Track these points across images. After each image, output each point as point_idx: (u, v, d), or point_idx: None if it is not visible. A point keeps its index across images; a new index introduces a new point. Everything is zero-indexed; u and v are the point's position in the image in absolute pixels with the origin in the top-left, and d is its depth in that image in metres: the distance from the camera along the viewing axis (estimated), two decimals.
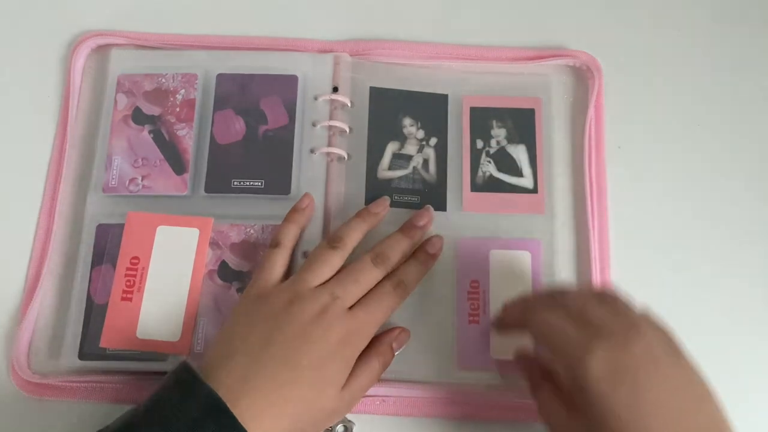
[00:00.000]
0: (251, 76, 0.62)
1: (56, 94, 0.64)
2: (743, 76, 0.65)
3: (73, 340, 0.56)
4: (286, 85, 0.62)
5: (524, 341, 0.53)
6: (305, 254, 0.57)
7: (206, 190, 0.59)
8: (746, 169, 0.63)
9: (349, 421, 0.54)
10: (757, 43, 0.66)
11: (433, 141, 0.62)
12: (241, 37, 0.65)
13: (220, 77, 0.62)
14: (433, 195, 0.60)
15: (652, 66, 0.65)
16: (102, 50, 0.65)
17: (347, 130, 0.62)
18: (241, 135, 0.61)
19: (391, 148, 0.62)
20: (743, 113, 0.64)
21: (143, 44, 0.64)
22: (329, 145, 0.61)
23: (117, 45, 0.64)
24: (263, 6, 0.67)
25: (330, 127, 0.61)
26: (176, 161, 0.60)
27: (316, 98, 0.62)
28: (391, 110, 0.63)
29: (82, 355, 0.55)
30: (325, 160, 0.61)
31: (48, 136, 0.63)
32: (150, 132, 0.61)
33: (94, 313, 0.56)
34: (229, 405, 0.45)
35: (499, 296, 0.57)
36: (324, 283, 0.52)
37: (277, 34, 0.66)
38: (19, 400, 0.55)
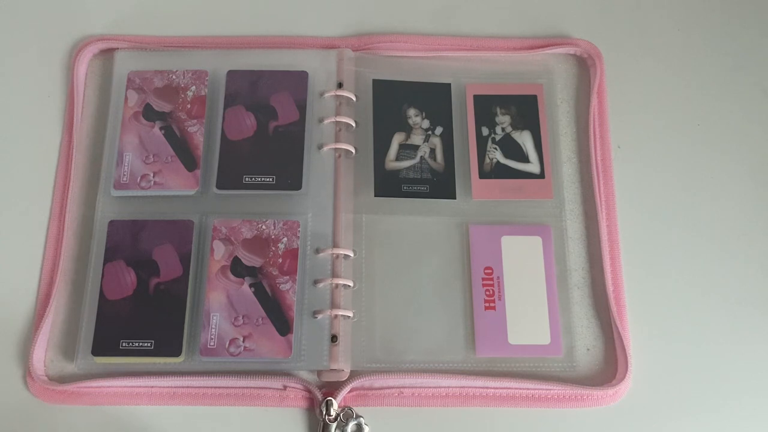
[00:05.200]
0: (261, 73, 0.60)
1: (60, 99, 0.62)
2: (743, 74, 0.63)
3: (87, 337, 0.53)
4: (296, 82, 0.60)
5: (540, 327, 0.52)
6: (317, 251, 0.55)
7: (218, 186, 0.57)
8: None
9: (359, 416, 0.52)
10: (757, 41, 0.64)
11: (439, 130, 0.60)
12: (244, 37, 0.63)
13: (230, 74, 0.60)
14: (442, 183, 0.58)
15: (653, 62, 0.63)
16: (105, 54, 0.63)
17: (353, 125, 0.60)
18: (252, 131, 0.59)
19: (398, 139, 0.59)
20: (743, 111, 0.62)
21: (145, 47, 0.62)
22: (336, 140, 0.59)
23: (120, 49, 0.62)
24: (264, 6, 0.65)
25: (336, 123, 0.59)
26: (187, 157, 0.58)
27: (321, 94, 0.60)
28: (395, 101, 0.61)
29: (95, 351, 0.53)
30: (333, 155, 0.58)
31: (54, 141, 0.60)
32: (161, 128, 0.59)
33: (106, 309, 0.54)
34: None
35: (513, 282, 0.55)
36: None
37: (279, 32, 0.64)
38: (37, 408, 0.53)
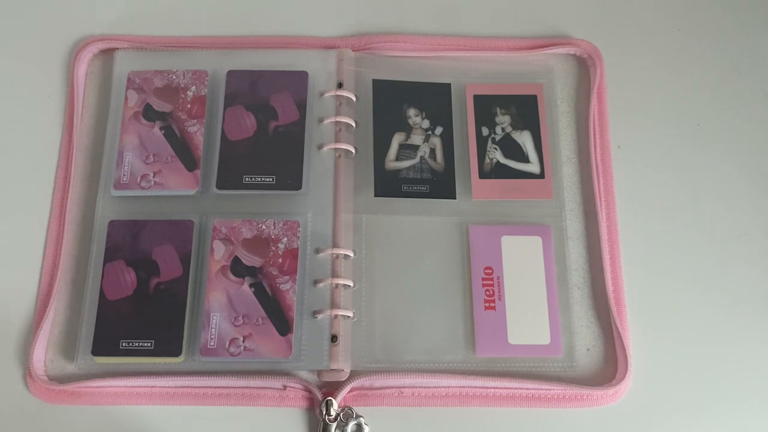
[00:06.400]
0: (261, 73, 0.60)
1: (60, 99, 0.61)
2: (743, 74, 0.63)
3: (87, 337, 0.53)
4: (296, 82, 0.60)
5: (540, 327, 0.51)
6: (317, 251, 0.55)
7: (218, 186, 0.57)
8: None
9: (359, 416, 0.51)
10: (757, 42, 0.64)
11: (439, 130, 0.60)
12: (244, 37, 0.63)
13: (230, 74, 0.60)
14: (442, 183, 0.58)
15: (653, 62, 0.63)
16: (105, 54, 0.62)
17: (353, 125, 0.59)
18: (252, 131, 0.58)
19: (398, 139, 0.59)
20: (743, 112, 0.61)
21: (145, 47, 0.62)
22: (336, 140, 0.58)
23: (120, 49, 0.62)
24: (264, 6, 0.65)
25: (336, 123, 0.59)
26: (187, 157, 0.57)
27: (321, 94, 0.60)
28: (395, 101, 0.60)
29: (95, 351, 0.52)
30: (333, 155, 0.58)
31: (54, 141, 0.60)
32: (161, 128, 0.58)
33: (106, 309, 0.53)
34: None
35: (513, 282, 0.55)
36: None
37: (279, 32, 0.64)
38: (37, 408, 0.53)
